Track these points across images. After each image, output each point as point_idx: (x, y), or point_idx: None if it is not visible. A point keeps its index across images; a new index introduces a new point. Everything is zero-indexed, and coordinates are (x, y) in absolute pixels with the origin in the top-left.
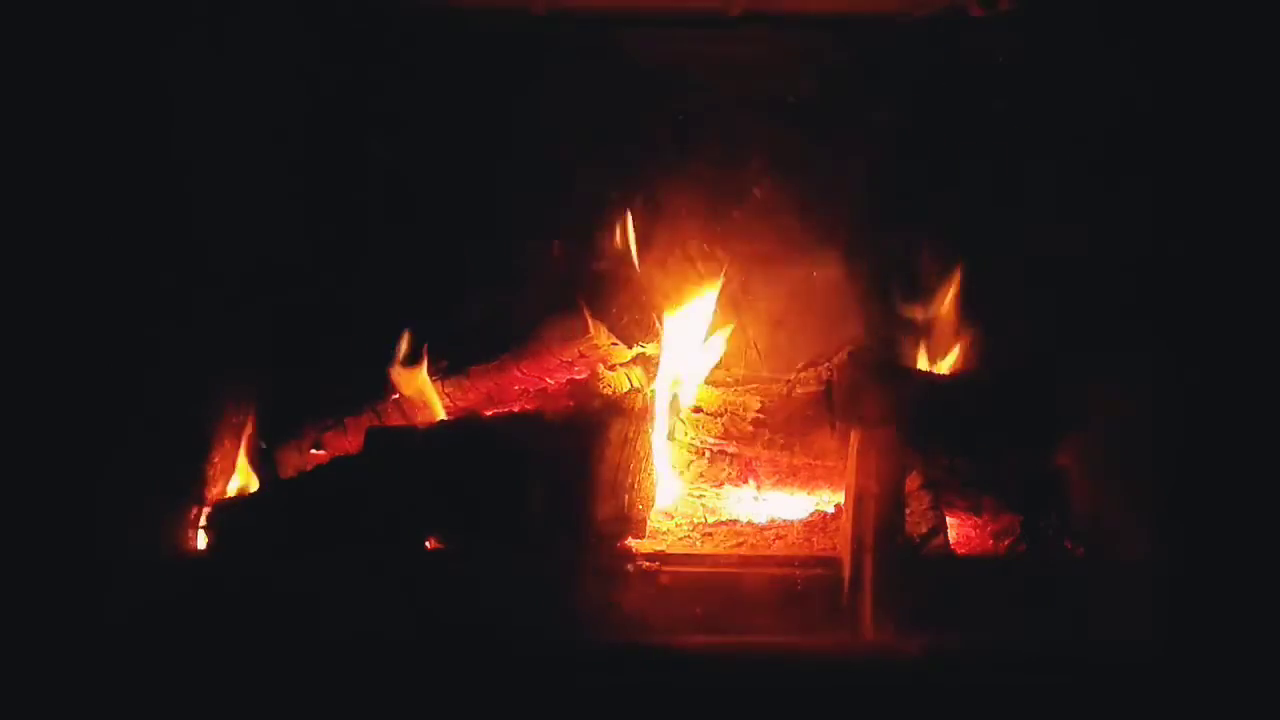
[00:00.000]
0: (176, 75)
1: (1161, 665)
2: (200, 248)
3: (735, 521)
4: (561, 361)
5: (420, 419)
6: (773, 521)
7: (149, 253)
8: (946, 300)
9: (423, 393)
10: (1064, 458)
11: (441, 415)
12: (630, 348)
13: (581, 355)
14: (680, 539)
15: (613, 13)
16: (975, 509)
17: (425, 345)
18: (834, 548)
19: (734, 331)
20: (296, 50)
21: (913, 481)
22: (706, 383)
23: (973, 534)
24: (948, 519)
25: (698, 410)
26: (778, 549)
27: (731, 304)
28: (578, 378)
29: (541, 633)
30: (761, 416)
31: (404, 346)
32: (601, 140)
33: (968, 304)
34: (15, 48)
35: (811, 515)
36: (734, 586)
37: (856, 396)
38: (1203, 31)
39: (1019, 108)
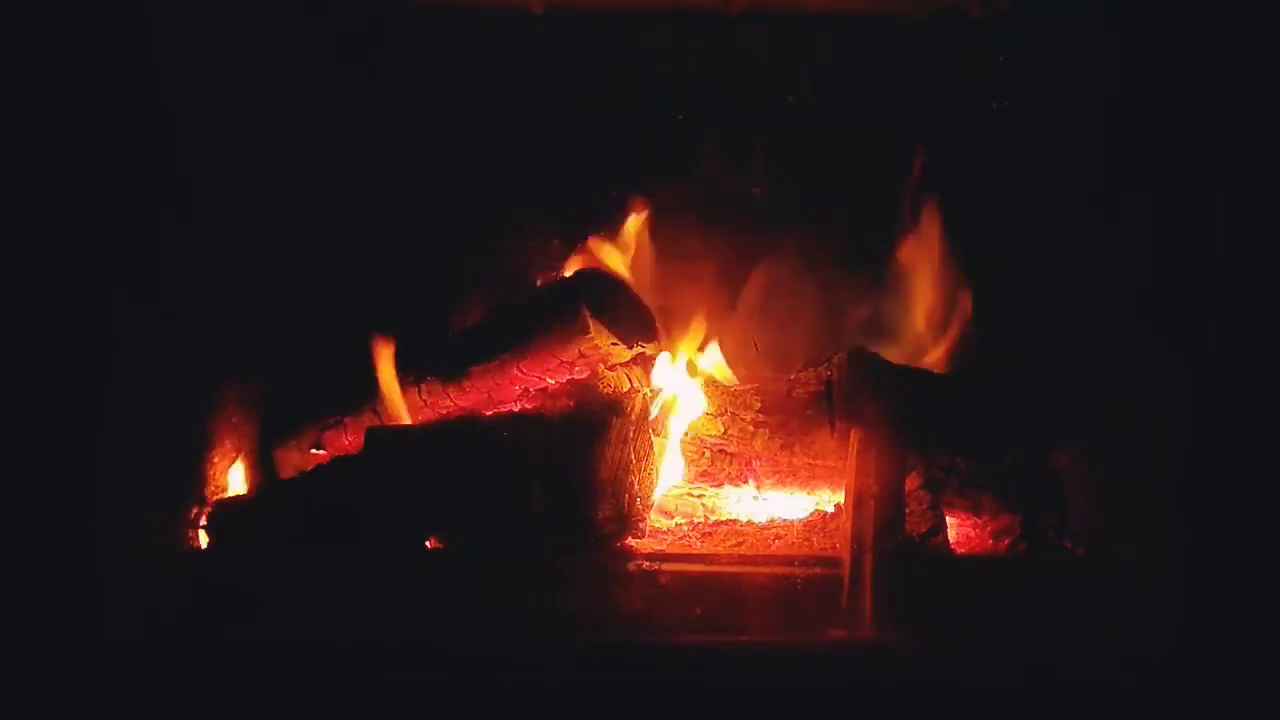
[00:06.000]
0: (170, 64)
1: (1162, 666)
2: (197, 247)
3: (735, 521)
4: (561, 361)
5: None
6: (773, 521)
7: (143, 248)
8: (946, 299)
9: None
10: (1064, 458)
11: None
12: (630, 348)
13: (581, 355)
14: (680, 539)
15: (612, 12)
16: (975, 509)
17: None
18: (834, 547)
19: (732, 332)
20: (295, 48)
21: (913, 481)
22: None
23: (973, 534)
24: (948, 519)
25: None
26: (778, 549)
27: (731, 304)
28: (578, 378)
29: (541, 633)
30: (761, 416)
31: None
32: (601, 140)
33: (968, 302)
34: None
35: (811, 515)
36: (734, 586)
37: (856, 396)
38: (1205, 32)
39: (1019, 108)
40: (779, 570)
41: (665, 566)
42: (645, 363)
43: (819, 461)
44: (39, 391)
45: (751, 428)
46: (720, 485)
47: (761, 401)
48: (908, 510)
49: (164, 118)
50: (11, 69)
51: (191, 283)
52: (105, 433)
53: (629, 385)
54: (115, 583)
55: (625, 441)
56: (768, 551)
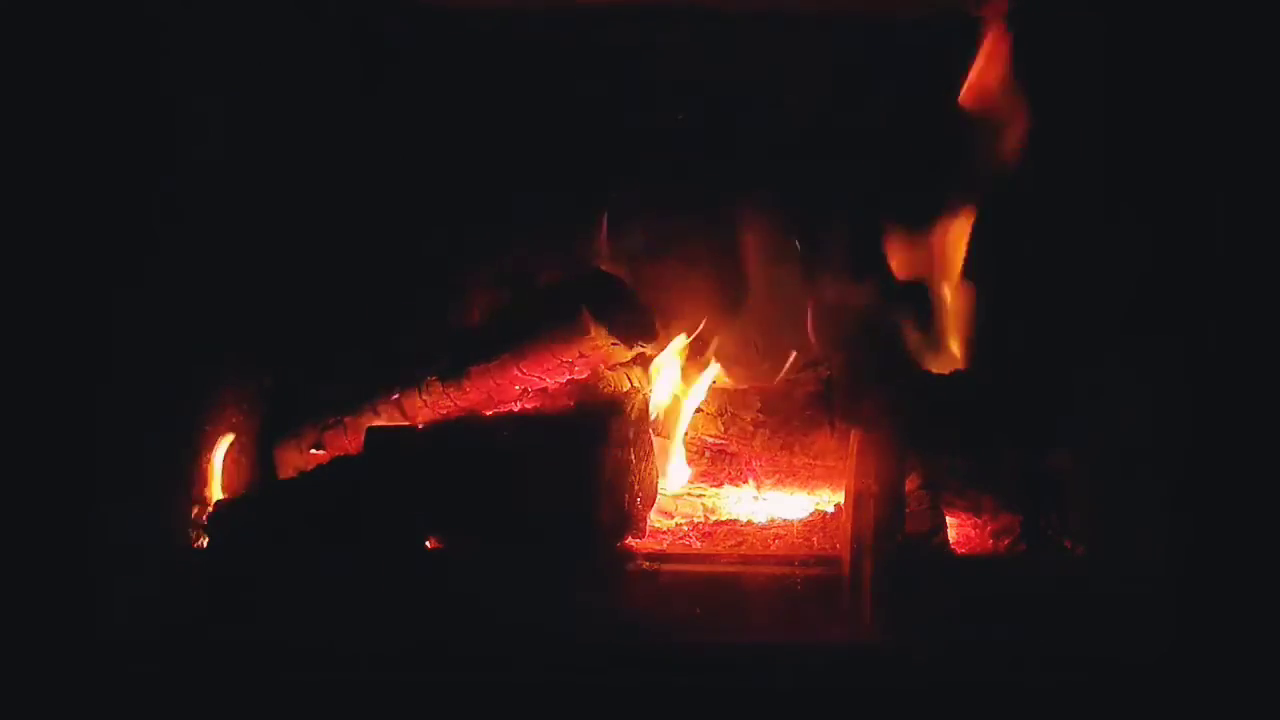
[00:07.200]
0: (171, 63)
1: (1162, 666)
2: (198, 246)
3: (735, 521)
4: (561, 361)
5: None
6: (773, 521)
7: (143, 248)
8: (947, 299)
9: None
10: (1064, 458)
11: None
12: (630, 348)
13: (581, 355)
14: (680, 539)
15: (612, 12)
16: (975, 509)
17: None
18: (834, 548)
19: (733, 332)
20: (295, 48)
21: (913, 481)
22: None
23: (973, 534)
24: (948, 519)
25: (698, 410)
26: (778, 549)
27: (731, 304)
28: (578, 378)
29: (541, 633)
30: (761, 416)
31: None
32: (600, 139)
33: (969, 303)
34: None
35: (811, 515)
36: (734, 586)
37: (856, 396)
38: (1206, 32)
39: (1018, 107)
40: (779, 570)
41: (665, 566)
42: (645, 363)
43: (819, 461)
44: (38, 391)
45: (751, 428)
46: (720, 485)
47: (761, 401)
48: (908, 510)
49: (163, 116)
50: (14, 69)
51: (192, 282)
52: (104, 432)
53: (629, 385)
54: (113, 582)
55: (625, 442)
56: (768, 551)
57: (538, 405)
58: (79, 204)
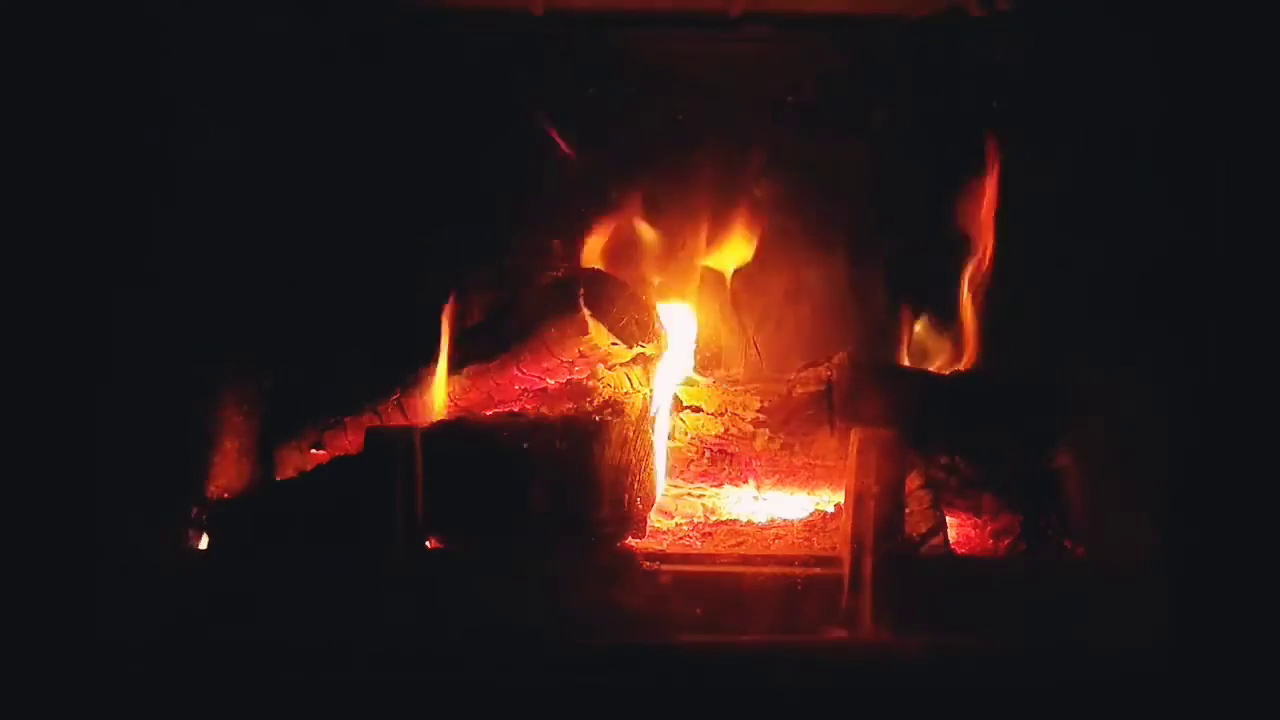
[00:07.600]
0: (172, 65)
1: (1161, 665)
2: (199, 247)
3: (735, 521)
4: (561, 361)
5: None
6: (773, 521)
7: (144, 249)
8: (947, 300)
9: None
10: (1064, 458)
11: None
12: (630, 348)
13: (581, 355)
14: (680, 539)
15: (612, 13)
16: (975, 509)
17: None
18: (834, 548)
19: (732, 331)
20: (297, 50)
21: (913, 481)
22: (706, 383)
23: (973, 534)
24: (948, 519)
25: (697, 410)
26: (778, 549)
27: (732, 304)
28: (578, 378)
29: (542, 633)
30: (761, 416)
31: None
32: (601, 140)
33: (969, 303)
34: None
35: (811, 515)
36: (734, 586)
37: (856, 396)
38: (1207, 30)
39: (1019, 108)
40: (779, 570)
41: (665, 566)
42: (645, 363)
43: (819, 461)
44: (38, 391)
45: (751, 428)
46: (720, 485)
47: (761, 401)
48: (908, 510)
49: (165, 118)
50: (14, 70)
51: (192, 282)
52: (105, 432)
53: (629, 386)
54: (113, 582)
55: (625, 442)
56: (768, 551)
57: (538, 405)
58: (79, 204)
